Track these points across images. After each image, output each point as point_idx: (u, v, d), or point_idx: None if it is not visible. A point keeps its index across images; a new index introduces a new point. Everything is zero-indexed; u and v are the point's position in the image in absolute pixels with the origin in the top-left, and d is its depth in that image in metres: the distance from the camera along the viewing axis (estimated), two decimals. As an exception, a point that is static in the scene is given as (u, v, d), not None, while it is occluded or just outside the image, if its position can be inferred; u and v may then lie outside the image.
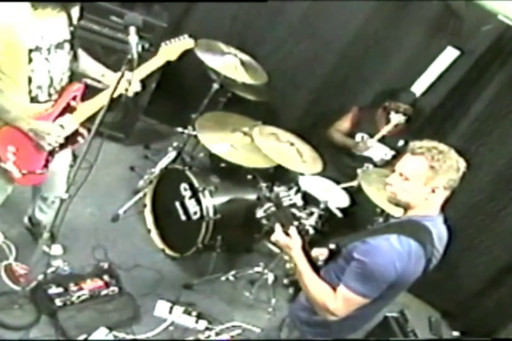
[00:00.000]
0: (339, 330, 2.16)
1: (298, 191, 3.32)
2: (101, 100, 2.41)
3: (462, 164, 1.97)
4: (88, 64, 2.65)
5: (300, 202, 3.23)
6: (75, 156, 2.75)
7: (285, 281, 3.68)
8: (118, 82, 2.13)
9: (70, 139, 2.58)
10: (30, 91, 2.41)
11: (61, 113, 2.52)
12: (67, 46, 2.47)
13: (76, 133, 2.59)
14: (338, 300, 1.95)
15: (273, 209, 2.12)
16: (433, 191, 1.94)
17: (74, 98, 2.54)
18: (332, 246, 2.08)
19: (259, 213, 2.16)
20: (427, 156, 1.92)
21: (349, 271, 1.95)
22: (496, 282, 3.95)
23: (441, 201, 2.00)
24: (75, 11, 2.48)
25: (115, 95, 2.21)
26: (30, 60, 2.32)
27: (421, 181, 1.93)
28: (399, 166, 2.00)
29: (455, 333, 4.01)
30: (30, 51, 2.31)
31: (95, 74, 2.65)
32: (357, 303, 1.95)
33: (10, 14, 2.22)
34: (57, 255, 3.07)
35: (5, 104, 2.36)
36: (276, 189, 2.57)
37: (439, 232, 2.03)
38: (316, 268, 2.06)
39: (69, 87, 2.55)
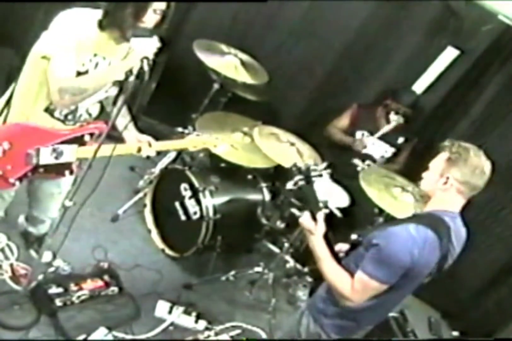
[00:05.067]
0: (356, 321, 2.21)
1: (329, 167, 3.12)
2: (111, 151, 2.34)
3: (486, 166, 2.04)
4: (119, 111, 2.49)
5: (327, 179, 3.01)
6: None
7: (307, 275, 3.57)
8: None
9: (59, 169, 2.46)
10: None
11: (70, 141, 2.40)
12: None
13: (67, 165, 2.47)
14: (356, 285, 2.01)
15: (302, 182, 2.16)
16: (446, 182, 2.00)
17: (91, 134, 2.43)
18: (354, 236, 2.14)
19: (289, 185, 2.18)
20: (447, 150, 2.03)
21: (366, 256, 2.02)
22: (496, 282, 3.96)
23: (462, 199, 2.05)
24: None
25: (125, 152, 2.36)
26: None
27: (438, 170, 2.03)
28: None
29: (455, 333, 4.01)
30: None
31: (119, 124, 2.53)
32: (373, 288, 2.00)
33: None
34: (47, 262, 2.96)
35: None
36: (308, 163, 2.47)
37: (458, 230, 2.09)
38: (337, 258, 2.12)
39: (93, 122, 2.48)
